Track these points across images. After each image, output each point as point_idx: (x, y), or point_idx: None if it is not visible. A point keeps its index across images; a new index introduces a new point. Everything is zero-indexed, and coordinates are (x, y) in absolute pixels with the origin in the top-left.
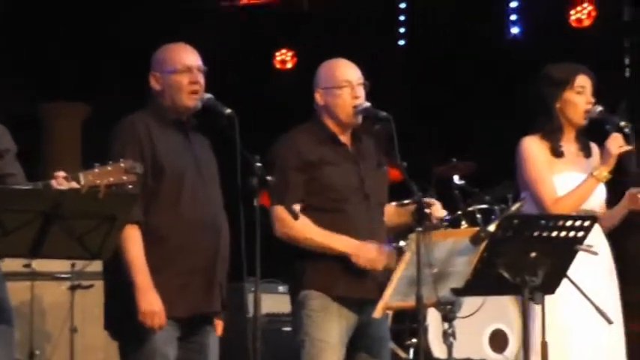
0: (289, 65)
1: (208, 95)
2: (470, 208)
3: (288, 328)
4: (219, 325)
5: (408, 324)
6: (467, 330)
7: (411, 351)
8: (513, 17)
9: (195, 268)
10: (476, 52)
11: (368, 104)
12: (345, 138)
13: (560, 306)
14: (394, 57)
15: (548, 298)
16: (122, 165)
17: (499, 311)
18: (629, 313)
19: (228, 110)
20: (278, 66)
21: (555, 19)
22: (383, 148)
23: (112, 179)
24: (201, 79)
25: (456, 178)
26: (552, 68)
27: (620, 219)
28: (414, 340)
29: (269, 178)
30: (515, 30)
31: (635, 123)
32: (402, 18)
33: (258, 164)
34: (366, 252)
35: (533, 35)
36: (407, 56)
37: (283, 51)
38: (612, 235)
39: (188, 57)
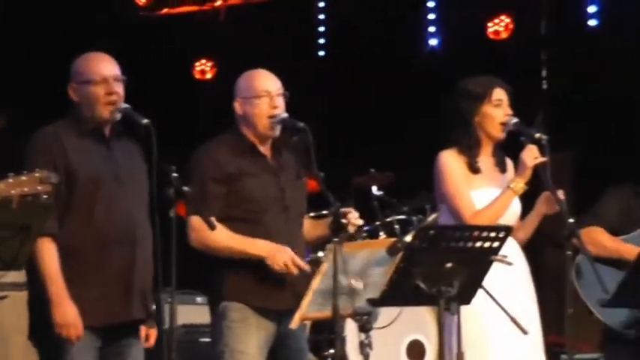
0: (209, 76)
1: (125, 105)
2: (388, 219)
3: (206, 339)
4: (151, 335)
5: (326, 335)
6: (384, 341)
7: None
8: (432, 29)
9: (110, 278)
10: (394, 63)
11: (286, 115)
12: (264, 149)
13: (477, 316)
14: (314, 68)
15: (464, 308)
16: (37, 175)
17: (416, 322)
18: (546, 325)
19: (145, 120)
20: (197, 76)
21: (473, 31)
22: (301, 159)
23: (26, 189)
24: (118, 89)
25: (374, 189)
26: (469, 82)
27: (533, 228)
28: (332, 351)
29: (185, 188)
30: (433, 42)
31: (552, 135)
32: (321, 29)
33: (175, 174)
34: (280, 255)
35: (451, 47)
36: (326, 67)
37: (203, 61)
38: (528, 249)
39: (105, 67)
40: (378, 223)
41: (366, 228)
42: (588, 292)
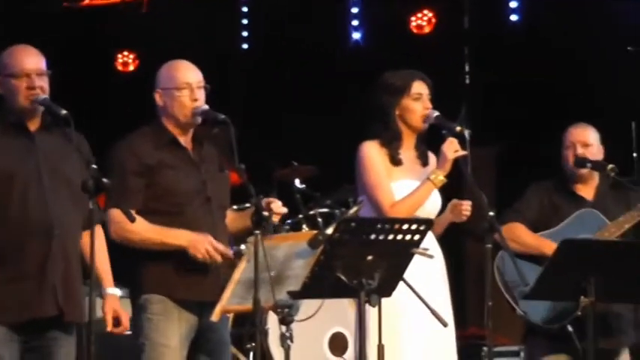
0: (131, 67)
1: (44, 96)
2: (311, 212)
3: (128, 332)
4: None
5: (248, 328)
6: (307, 333)
7: (251, 355)
8: (355, 22)
9: (24, 272)
10: (318, 56)
11: (206, 107)
12: (185, 141)
13: (396, 309)
14: (237, 60)
15: (385, 301)
16: None
17: (339, 315)
18: (465, 317)
19: (64, 111)
20: (120, 68)
21: (396, 26)
22: (223, 151)
23: None
24: (41, 82)
25: (297, 182)
26: (389, 76)
27: (444, 227)
28: (254, 344)
29: (105, 180)
30: (356, 35)
31: (475, 130)
32: (244, 21)
33: (94, 166)
34: (201, 244)
35: (374, 41)
36: (250, 60)
37: (125, 53)
38: (450, 242)
39: (29, 61)
40: (301, 216)
41: (289, 221)
42: (509, 287)
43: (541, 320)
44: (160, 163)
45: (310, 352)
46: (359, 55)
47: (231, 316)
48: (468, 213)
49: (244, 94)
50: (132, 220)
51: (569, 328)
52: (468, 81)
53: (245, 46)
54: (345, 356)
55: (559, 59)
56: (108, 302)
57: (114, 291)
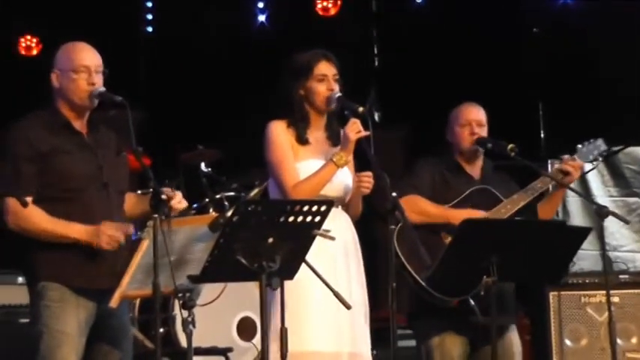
0: (34, 52)
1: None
2: (217, 196)
3: (26, 320)
4: None
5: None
6: (215, 318)
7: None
8: (260, 5)
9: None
10: (224, 38)
11: (103, 89)
12: (80, 125)
13: (299, 291)
14: (140, 44)
15: (288, 283)
16: None
17: (247, 298)
18: (380, 299)
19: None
20: (23, 52)
21: (302, 7)
22: (121, 134)
23: None
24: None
25: (202, 166)
26: (294, 57)
27: (356, 205)
28: (162, 330)
29: None
30: (262, 18)
31: (383, 112)
32: (148, 4)
33: None
34: (102, 233)
35: (280, 23)
36: (153, 44)
37: (28, 37)
38: (361, 224)
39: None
40: (207, 200)
41: (195, 205)
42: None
43: (442, 294)
44: (53, 148)
45: (218, 337)
46: (265, 37)
47: (137, 301)
48: (369, 184)
49: (150, 77)
50: (25, 205)
51: (471, 302)
52: (376, 63)
53: (149, 29)
54: (253, 341)
55: (464, 40)
56: None
57: None
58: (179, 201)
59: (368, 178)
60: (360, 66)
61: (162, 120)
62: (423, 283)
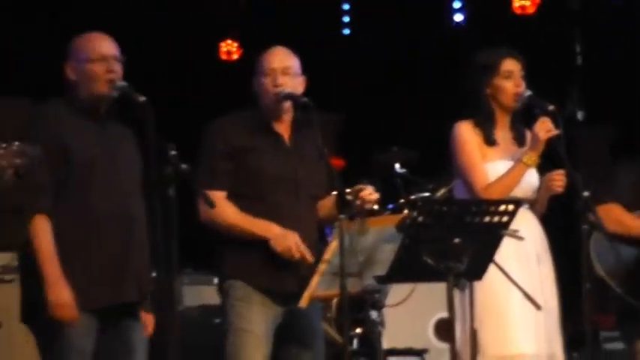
0: (235, 57)
1: (123, 82)
2: (412, 197)
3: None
4: (148, 321)
5: (353, 314)
6: (410, 319)
7: (355, 341)
8: (457, 5)
9: (105, 258)
10: (418, 39)
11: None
12: (282, 127)
13: (492, 292)
14: (337, 46)
15: (486, 284)
16: (14, 148)
17: (443, 299)
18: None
19: (143, 98)
20: (223, 57)
21: (499, 7)
22: (323, 139)
23: (3, 162)
24: (117, 67)
25: (397, 167)
26: (479, 55)
27: (544, 205)
28: (358, 331)
29: (184, 166)
30: (458, 18)
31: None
32: (345, 7)
33: (173, 152)
34: (284, 239)
35: (476, 23)
36: (350, 46)
37: (228, 42)
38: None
39: (105, 45)
40: (402, 201)
41: (390, 206)
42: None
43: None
44: (246, 145)
45: (415, 338)
46: (461, 38)
47: (334, 301)
48: (562, 183)
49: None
50: (212, 205)
51: None
52: (579, 62)
53: (347, 31)
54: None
55: None
56: None
57: None
58: (370, 192)
59: (560, 177)
60: (561, 64)
61: (357, 121)
62: (618, 290)
